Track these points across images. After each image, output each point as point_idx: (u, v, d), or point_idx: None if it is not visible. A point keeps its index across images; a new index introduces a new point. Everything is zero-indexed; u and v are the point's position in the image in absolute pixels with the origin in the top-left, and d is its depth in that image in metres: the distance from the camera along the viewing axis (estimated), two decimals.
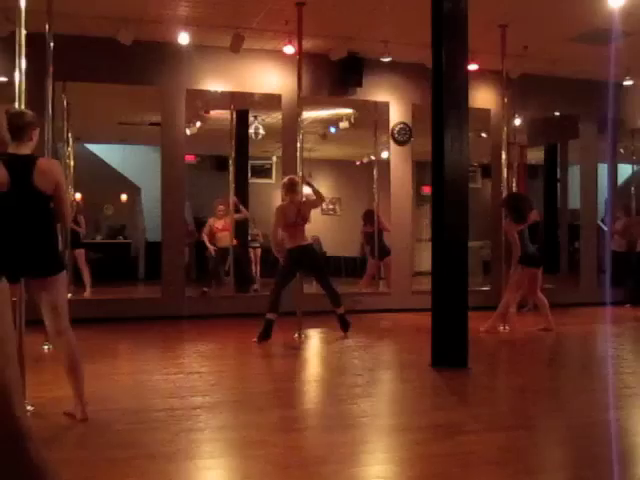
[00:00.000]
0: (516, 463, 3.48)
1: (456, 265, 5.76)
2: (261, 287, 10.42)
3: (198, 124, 11.55)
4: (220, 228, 10.70)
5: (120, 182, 15.13)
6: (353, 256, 15.14)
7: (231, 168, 10.45)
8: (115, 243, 14.80)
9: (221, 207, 10.70)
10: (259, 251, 12.83)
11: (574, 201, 11.82)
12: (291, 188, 7.32)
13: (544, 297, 8.11)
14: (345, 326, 7.54)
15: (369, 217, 11.25)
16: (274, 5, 7.69)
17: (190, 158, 12.09)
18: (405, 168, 10.25)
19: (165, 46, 8.79)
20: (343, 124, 11.79)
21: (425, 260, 10.51)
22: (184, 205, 9.58)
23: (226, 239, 10.57)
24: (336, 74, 9.57)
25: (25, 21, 4.37)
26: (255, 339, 7.01)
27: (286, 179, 7.53)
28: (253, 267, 12.18)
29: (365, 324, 8.76)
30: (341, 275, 14.12)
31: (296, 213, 7.21)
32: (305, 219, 7.30)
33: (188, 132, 10.14)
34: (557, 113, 11.71)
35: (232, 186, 10.35)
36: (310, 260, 7.39)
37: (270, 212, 9.85)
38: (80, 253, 10.43)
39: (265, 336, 7.01)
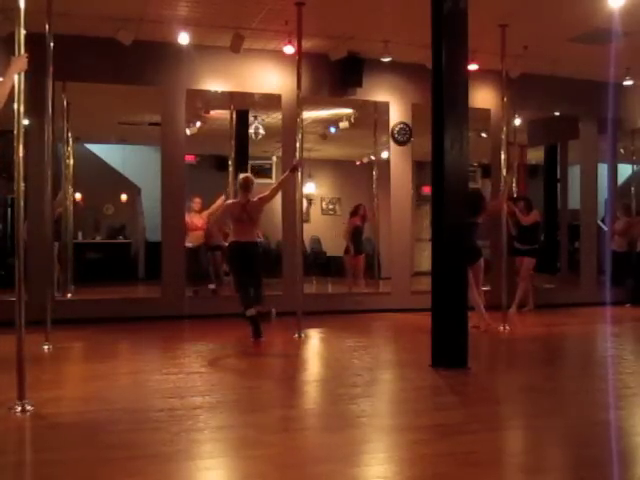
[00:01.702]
0: (515, 463, 3.48)
1: (456, 265, 5.77)
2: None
3: (198, 124, 11.55)
4: (199, 226, 10.41)
5: (120, 182, 15.13)
6: None
7: (231, 168, 10.45)
8: (115, 243, 14.80)
9: (197, 200, 10.58)
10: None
11: (574, 201, 11.82)
12: (243, 186, 7.30)
13: (477, 296, 7.95)
14: (257, 330, 7.12)
15: (358, 210, 11.52)
16: (274, 5, 7.69)
17: (190, 158, 12.08)
18: (405, 168, 10.25)
19: (165, 46, 8.79)
20: (343, 124, 11.78)
21: (425, 260, 10.54)
22: (184, 205, 9.58)
23: (200, 238, 10.54)
24: (336, 74, 9.57)
25: (25, 21, 4.36)
26: (252, 338, 7.05)
27: (241, 177, 7.47)
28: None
29: (365, 324, 8.76)
30: (341, 275, 14.10)
31: (240, 210, 7.16)
32: (251, 217, 7.20)
33: (188, 132, 10.13)
34: (557, 113, 11.70)
35: (232, 186, 10.34)
36: (247, 257, 7.21)
37: (270, 211, 9.91)
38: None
39: (258, 333, 7.05)
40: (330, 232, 15.69)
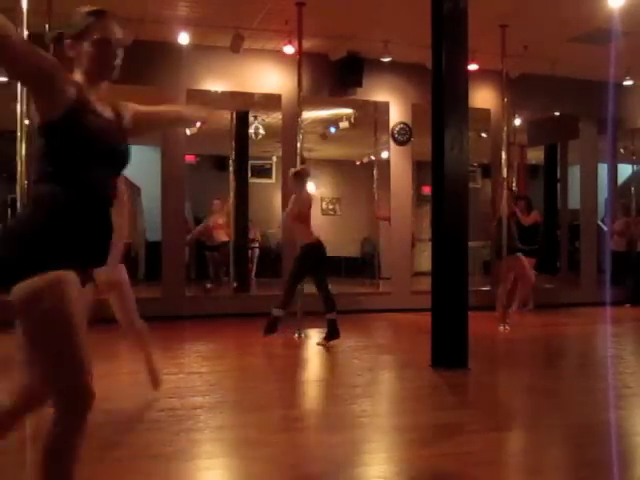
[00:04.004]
0: (515, 463, 3.49)
1: (456, 265, 5.77)
2: (258, 287, 10.47)
3: (198, 124, 11.53)
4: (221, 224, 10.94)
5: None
6: (353, 256, 15.13)
7: (231, 168, 10.45)
8: None
9: (217, 202, 11.03)
10: (257, 251, 12.85)
11: (574, 201, 11.83)
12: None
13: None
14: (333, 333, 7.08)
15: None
16: (274, 5, 7.69)
17: (190, 158, 12.07)
18: (405, 168, 10.25)
19: (165, 46, 8.79)
20: (343, 124, 11.78)
21: (425, 260, 10.53)
22: (184, 205, 9.58)
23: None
24: (336, 74, 9.57)
25: (25, 21, 4.36)
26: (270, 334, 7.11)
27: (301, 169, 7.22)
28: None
29: (365, 324, 8.76)
30: (340, 275, 14.11)
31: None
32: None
33: (188, 132, 10.13)
34: (557, 113, 11.71)
35: (232, 186, 10.34)
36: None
37: (270, 212, 9.94)
38: None
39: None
40: (330, 232, 15.68)
